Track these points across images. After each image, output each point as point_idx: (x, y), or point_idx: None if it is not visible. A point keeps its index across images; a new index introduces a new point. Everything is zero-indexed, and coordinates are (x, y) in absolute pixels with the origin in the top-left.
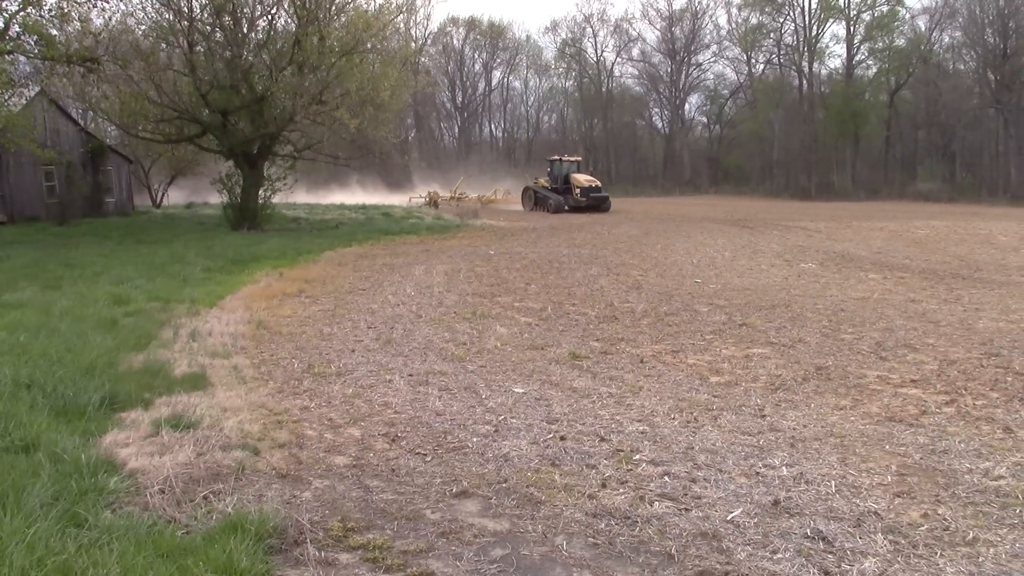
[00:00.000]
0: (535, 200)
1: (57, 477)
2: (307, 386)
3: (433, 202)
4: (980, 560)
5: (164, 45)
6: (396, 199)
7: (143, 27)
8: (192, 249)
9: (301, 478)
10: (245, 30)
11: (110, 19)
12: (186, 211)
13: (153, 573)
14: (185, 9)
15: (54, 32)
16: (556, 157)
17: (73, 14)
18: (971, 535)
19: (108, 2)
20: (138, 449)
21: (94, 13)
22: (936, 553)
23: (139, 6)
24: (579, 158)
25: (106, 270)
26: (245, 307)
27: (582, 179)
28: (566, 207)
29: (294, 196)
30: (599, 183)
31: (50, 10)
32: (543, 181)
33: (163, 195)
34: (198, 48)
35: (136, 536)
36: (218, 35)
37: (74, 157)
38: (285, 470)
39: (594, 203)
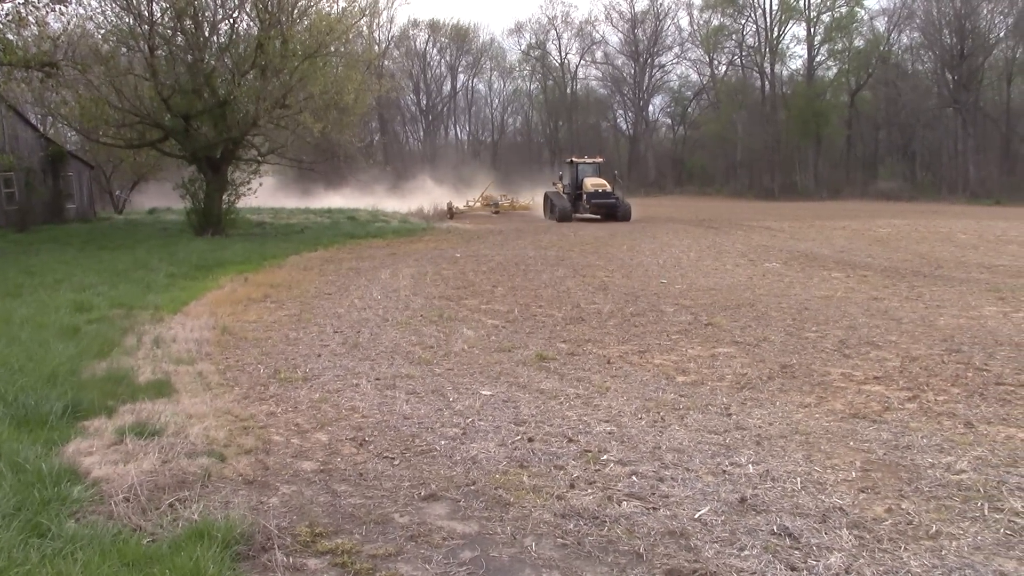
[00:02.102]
0: (551, 207)
1: (19, 487)
2: (273, 391)
3: (454, 209)
4: (943, 553)
5: (124, 49)
6: (392, 203)
7: (103, 31)
8: (155, 255)
9: (268, 484)
10: (207, 34)
11: (69, 23)
12: (149, 217)
13: None
14: (145, 13)
15: (11, 36)
16: (571, 159)
17: (30, 18)
18: (934, 529)
19: (66, 6)
20: (102, 457)
21: (52, 17)
22: (900, 547)
23: (98, 10)
24: (600, 159)
25: (68, 277)
26: (210, 313)
27: (588, 184)
28: (574, 216)
29: (290, 200)
30: (608, 187)
31: (6, 14)
32: (561, 186)
33: (125, 201)
34: (159, 52)
35: (101, 545)
36: (179, 39)
37: (34, 163)
38: (252, 476)
39: (599, 211)
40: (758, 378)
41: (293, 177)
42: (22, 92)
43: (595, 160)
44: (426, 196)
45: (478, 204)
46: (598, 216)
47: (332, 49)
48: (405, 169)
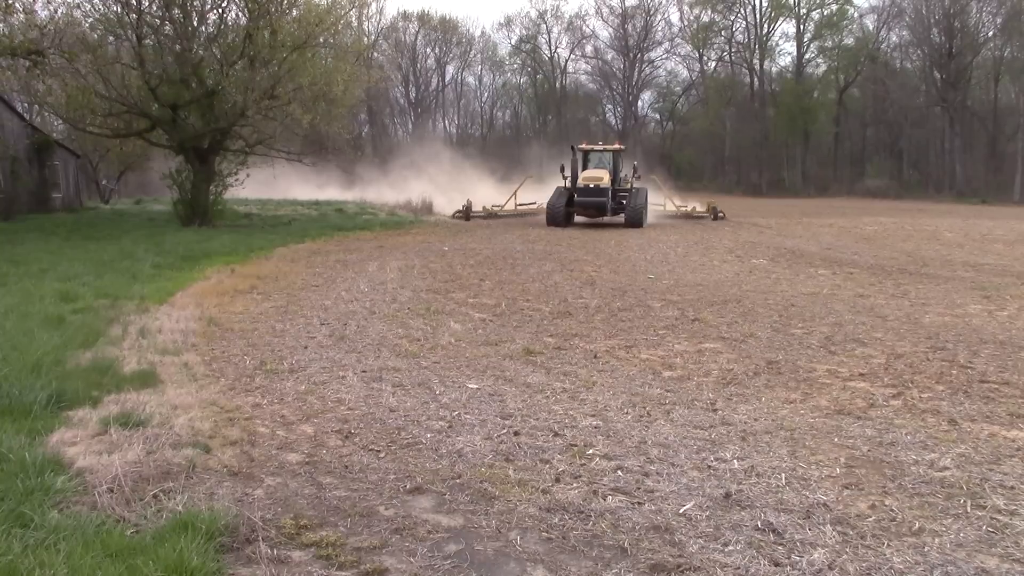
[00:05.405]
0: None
1: (2, 477)
2: (259, 383)
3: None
4: (926, 550)
5: (112, 38)
6: (380, 196)
7: (90, 20)
8: (142, 245)
9: (253, 476)
10: (195, 23)
11: (56, 11)
12: (135, 207)
13: (101, 573)
14: (133, 2)
15: None
16: (576, 145)
17: (17, 5)
18: (917, 525)
19: None
20: (86, 448)
21: (39, 5)
22: (883, 543)
23: None
24: (618, 147)
25: (53, 267)
26: (196, 304)
27: (582, 178)
28: (566, 217)
29: (278, 191)
30: (603, 181)
31: None
32: (565, 180)
33: (112, 191)
34: (147, 41)
35: (84, 536)
36: (167, 28)
37: (19, 152)
38: (237, 468)
39: (586, 212)
40: (744, 374)
41: (282, 168)
42: (8, 80)
43: (611, 148)
44: (415, 189)
45: (513, 205)
46: (590, 218)
47: (321, 40)
48: (394, 162)
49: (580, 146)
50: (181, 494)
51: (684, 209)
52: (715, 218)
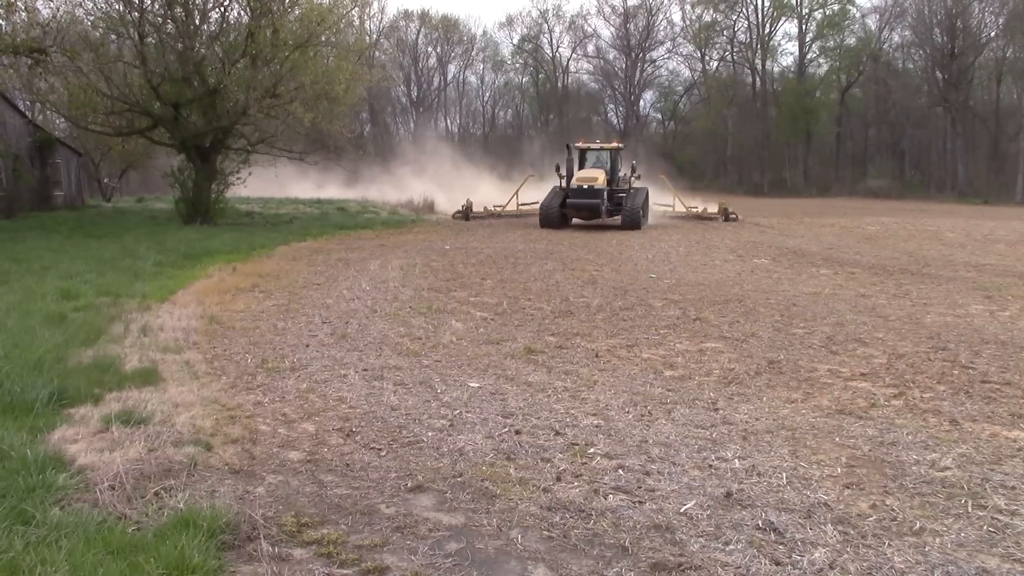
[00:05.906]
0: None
1: (3, 474)
2: (260, 381)
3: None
4: (926, 550)
5: (114, 36)
6: (382, 195)
7: (92, 18)
8: (143, 243)
9: (254, 473)
10: (197, 22)
11: (58, 9)
12: (137, 205)
13: (103, 570)
14: (135, 0)
15: (0, 22)
16: (571, 143)
17: (20, 4)
18: (918, 525)
19: None
20: (87, 445)
21: (41, 3)
22: (884, 543)
23: None
24: (617, 145)
25: (54, 264)
26: (197, 302)
27: (576, 178)
28: (561, 219)
29: (280, 190)
30: (597, 182)
31: None
32: (561, 180)
33: (113, 189)
34: (149, 40)
35: (85, 533)
36: (169, 27)
37: (21, 150)
38: (238, 466)
39: (580, 214)
40: (745, 373)
41: (283, 167)
42: (10, 78)
43: (608, 146)
44: (416, 188)
45: (514, 204)
46: (584, 220)
47: (323, 39)
48: (396, 160)
49: (577, 144)
50: (183, 492)
51: (695, 210)
52: (726, 219)
